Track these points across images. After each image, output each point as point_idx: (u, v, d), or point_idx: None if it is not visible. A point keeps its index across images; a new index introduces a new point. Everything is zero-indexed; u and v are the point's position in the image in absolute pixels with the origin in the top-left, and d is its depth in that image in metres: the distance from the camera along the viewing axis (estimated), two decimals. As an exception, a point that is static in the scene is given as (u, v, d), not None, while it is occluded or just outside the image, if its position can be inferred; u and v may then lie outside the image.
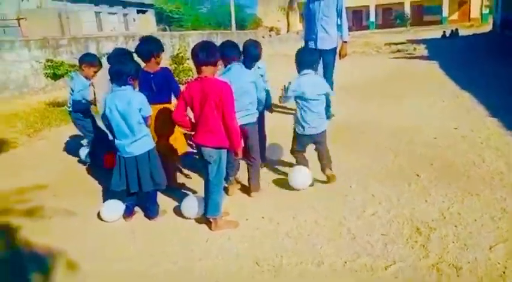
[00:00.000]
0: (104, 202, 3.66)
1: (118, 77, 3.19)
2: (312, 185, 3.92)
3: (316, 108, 3.84)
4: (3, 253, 3.20)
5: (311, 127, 3.85)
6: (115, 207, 3.53)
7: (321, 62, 6.28)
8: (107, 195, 3.83)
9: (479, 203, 3.41)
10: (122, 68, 3.20)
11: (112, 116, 3.23)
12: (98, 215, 3.58)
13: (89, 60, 4.60)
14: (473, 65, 11.16)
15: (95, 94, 4.51)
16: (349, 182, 4.03)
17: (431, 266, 2.62)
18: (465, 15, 43.88)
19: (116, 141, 3.31)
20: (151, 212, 3.52)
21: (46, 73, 8.28)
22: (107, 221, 3.51)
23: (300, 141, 3.97)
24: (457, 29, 24.55)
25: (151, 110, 3.35)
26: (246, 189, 3.94)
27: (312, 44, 6.28)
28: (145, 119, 3.30)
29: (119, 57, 3.78)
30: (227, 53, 3.57)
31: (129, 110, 3.18)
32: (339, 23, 6.14)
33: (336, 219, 3.33)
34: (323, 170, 3.99)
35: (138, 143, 3.28)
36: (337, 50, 6.40)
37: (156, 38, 3.97)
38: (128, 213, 3.52)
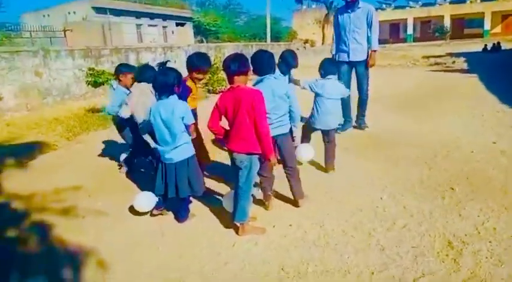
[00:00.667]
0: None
1: (163, 89, 3.32)
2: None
3: (331, 108, 4.49)
4: (37, 249, 3.33)
5: (321, 122, 4.51)
6: (148, 199, 3.65)
7: (353, 73, 6.37)
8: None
9: (517, 219, 3.26)
10: (165, 79, 3.31)
11: (156, 123, 3.35)
12: (131, 208, 3.75)
13: (124, 70, 4.81)
14: (516, 79, 10.73)
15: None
16: (380, 193, 3.95)
17: (462, 281, 2.52)
18: (509, 29, 42.41)
19: (158, 148, 3.43)
20: (181, 215, 3.59)
21: (88, 81, 8.64)
22: (137, 210, 3.67)
23: (307, 131, 4.73)
24: (499, 43, 23.74)
25: (193, 118, 3.46)
26: (289, 200, 3.91)
27: (344, 56, 6.28)
28: (187, 126, 3.40)
29: (161, 69, 3.84)
30: (259, 63, 3.55)
31: (172, 118, 3.28)
32: (369, 34, 6.10)
33: (365, 230, 3.27)
34: (326, 163, 4.61)
35: (179, 149, 3.36)
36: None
37: (205, 55, 4.08)
38: (157, 207, 3.66)
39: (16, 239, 3.51)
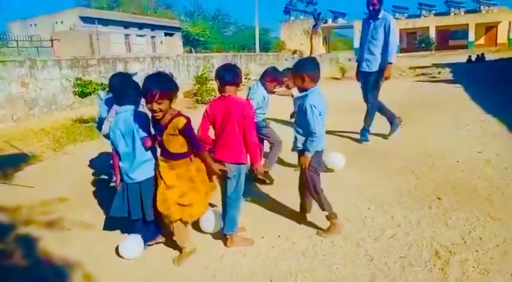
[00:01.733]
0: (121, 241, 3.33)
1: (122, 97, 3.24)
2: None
3: None
4: (23, 262, 3.26)
5: None
6: (135, 244, 3.25)
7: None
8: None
9: (502, 228, 3.30)
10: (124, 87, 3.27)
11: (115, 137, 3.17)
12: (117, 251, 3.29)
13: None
14: (500, 90, 10.96)
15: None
16: (368, 203, 3.97)
17: (450, 291, 2.54)
18: (492, 40, 43.39)
19: (120, 164, 3.21)
20: (145, 236, 3.31)
21: (75, 91, 8.57)
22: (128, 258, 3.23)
23: None
24: (483, 54, 24.27)
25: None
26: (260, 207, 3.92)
27: (361, 67, 6.24)
28: (142, 140, 3.12)
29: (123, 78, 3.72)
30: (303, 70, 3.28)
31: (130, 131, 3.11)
32: (389, 45, 5.91)
33: (354, 240, 3.27)
34: None
35: (141, 168, 3.15)
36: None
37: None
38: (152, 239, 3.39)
39: (1, 251, 3.44)
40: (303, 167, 3.36)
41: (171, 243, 3.37)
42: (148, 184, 3.17)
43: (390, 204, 3.93)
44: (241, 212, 3.42)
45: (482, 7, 44.85)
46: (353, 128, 7.01)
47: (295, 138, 3.39)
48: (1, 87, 8.84)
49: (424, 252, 3.03)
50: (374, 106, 6.27)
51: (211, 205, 3.97)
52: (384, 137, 6.43)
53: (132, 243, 3.22)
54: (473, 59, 23.46)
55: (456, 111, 8.27)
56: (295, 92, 4.63)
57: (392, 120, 6.42)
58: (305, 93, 3.27)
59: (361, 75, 6.30)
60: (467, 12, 44.79)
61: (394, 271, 2.80)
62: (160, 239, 3.39)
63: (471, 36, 43.08)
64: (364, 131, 6.34)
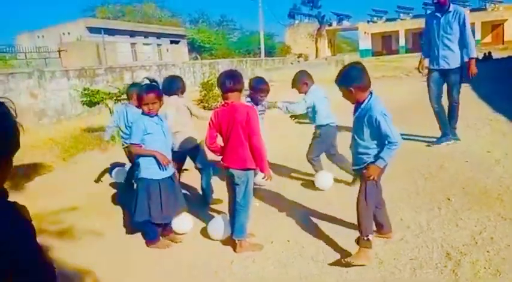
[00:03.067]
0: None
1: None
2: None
3: None
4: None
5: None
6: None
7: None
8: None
9: (514, 228, 3.27)
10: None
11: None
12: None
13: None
14: (508, 88, 10.85)
15: None
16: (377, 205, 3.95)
17: (462, 292, 2.52)
18: (499, 38, 43.04)
19: None
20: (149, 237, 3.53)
21: (83, 101, 8.67)
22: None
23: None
24: (490, 52, 24.11)
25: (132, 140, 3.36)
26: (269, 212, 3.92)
27: (434, 64, 5.84)
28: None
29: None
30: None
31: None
32: (464, 40, 5.54)
33: (363, 243, 3.26)
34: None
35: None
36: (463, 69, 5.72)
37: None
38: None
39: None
40: (370, 177, 2.94)
41: (181, 252, 3.39)
42: (142, 184, 3.36)
43: (399, 205, 3.91)
44: (250, 218, 3.42)
45: (487, 5, 44.56)
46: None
47: (359, 154, 3.01)
48: (10, 99, 8.94)
49: (434, 253, 3.01)
50: (458, 103, 5.89)
51: (219, 212, 4.00)
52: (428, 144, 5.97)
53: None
54: (480, 57, 23.28)
55: (464, 111, 8.19)
56: (280, 104, 4.57)
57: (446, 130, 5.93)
58: (364, 105, 2.93)
59: (436, 74, 5.86)
60: (473, 10, 44.47)
61: (405, 274, 2.79)
62: (163, 245, 3.49)
63: (477, 35, 42.70)
64: (452, 130, 5.93)
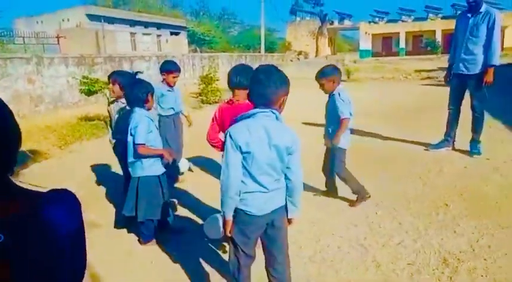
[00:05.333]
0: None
1: (133, 102, 3.30)
2: None
3: None
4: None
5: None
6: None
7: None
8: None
9: (511, 236, 3.27)
10: (135, 92, 3.27)
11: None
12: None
13: (168, 68, 4.62)
14: (508, 95, 10.88)
15: None
16: (375, 208, 3.95)
17: (459, 300, 2.52)
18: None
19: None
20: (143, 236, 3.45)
21: (81, 89, 8.57)
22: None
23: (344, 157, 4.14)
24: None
25: (140, 139, 3.19)
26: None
27: (456, 67, 5.53)
28: (135, 145, 3.20)
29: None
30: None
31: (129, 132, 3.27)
32: (491, 43, 5.15)
33: (361, 246, 3.25)
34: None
35: (135, 165, 3.30)
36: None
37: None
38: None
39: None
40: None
41: (178, 247, 3.37)
42: (146, 182, 3.27)
43: (397, 210, 3.90)
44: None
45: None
46: (359, 131, 6.98)
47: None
48: (7, 84, 8.86)
49: (432, 259, 3.00)
50: (482, 114, 5.53)
51: (216, 209, 3.97)
52: (426, 148, 5.95)
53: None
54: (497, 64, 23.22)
55: (463, 117, 8.23)
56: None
57: (447, 137, 5.85)
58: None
59: (455, 78, 5.61)
60: (474, 16, 44.58)
61: (402, 278, 2.78)
62: (153, 243, 3.41)
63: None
64: (475, 143, 5.56)
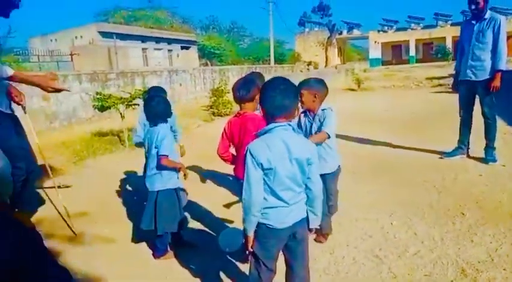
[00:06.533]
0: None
1: (155, 118, 3.36)
2: None
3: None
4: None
5: None
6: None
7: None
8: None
9: (531, 245, 3.20)
10: (157, 109, 3.34)
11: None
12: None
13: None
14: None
15: None
16: (390, 219, 3.91)
17: (479, 312, 2.46)
18: (509, 50, 42.67)
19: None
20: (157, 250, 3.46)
21: (94, 105, 8.70)
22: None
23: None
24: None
25: (166, 151, 3.25)
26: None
27: (463, 74, 5.54)
28: (159, 157, 3.25)
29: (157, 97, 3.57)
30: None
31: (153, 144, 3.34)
32: (497, 48, 5.17)
33: (376, 257, 3.22)
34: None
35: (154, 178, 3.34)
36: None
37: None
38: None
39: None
40: None
41: (192, 262, 3.37)
42: (165, 195, 3.30)
43: (412, 219, 3.85)
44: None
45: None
46: (371, 140, 6.96)
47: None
48: (23, 101, 9.02)
49: (449, 270, 2.95)
50: (494, 120, 5.51)
51: (229, 221, 3.98)
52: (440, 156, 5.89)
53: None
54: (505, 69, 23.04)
55: (476, 124, 8.13)
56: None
57: (461, 145, 5.82)
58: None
59: (463, 85, 5.60)
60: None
61: (419, 290, 2.74)
62: (171, 256, 3.43)
63: (488, 46, 42.51)
64: (489, 150, 5.53)
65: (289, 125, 2.10)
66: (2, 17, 3.73)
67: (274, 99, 2.09)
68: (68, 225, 4.14)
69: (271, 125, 2.10)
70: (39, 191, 5.21)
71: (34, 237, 2.18)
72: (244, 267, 3.18)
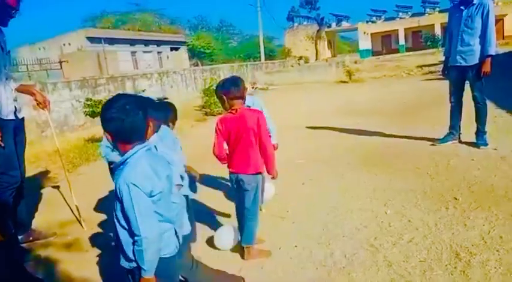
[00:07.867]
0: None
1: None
2: None
3: None
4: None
5: None
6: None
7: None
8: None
9: (523, 225, 3.24)
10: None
11: None
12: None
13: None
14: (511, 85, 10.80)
15: None
16: (384, 207, 3.93)
17: (473, 294, 2.49)
18: (499, 33, 42.89)
19: None
20: None
21: (85, 111, 8.68)
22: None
23: None
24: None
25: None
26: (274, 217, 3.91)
27: (453, 60, 5.57)
28: None
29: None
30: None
31: None
32: (487, 33, 5.20)
33: (372, 246, 3.24)
34: None
35: None
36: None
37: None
38: None
39: (20, 274, 3.47)
40: None
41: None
42: None
43: (406, 207, 3.88)
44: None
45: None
46: (363, 130, 6.98)
47: None
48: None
49: (444, 254, 2.98)
50: (484, 104, 5.53)
51: (226, 215, 3.99)
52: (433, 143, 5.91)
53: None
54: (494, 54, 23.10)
55: (468, 108, 8.18)
56: None
57: (452, 130, 5.85)
58: None
59: (453, 70, 5.63)
60: (471, 6, 44.39)
61: (415, 276, 2.76)
62: None
63: (477, 31, 42.65)
64: (481, 134, 5.56)
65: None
66: (1, 26, 3.79)
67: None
68: (77, 219, 4.32)
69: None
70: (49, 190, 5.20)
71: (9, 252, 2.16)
72: (240, 265, 3.20)
